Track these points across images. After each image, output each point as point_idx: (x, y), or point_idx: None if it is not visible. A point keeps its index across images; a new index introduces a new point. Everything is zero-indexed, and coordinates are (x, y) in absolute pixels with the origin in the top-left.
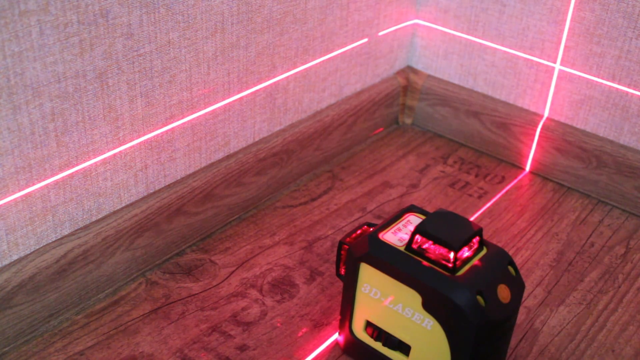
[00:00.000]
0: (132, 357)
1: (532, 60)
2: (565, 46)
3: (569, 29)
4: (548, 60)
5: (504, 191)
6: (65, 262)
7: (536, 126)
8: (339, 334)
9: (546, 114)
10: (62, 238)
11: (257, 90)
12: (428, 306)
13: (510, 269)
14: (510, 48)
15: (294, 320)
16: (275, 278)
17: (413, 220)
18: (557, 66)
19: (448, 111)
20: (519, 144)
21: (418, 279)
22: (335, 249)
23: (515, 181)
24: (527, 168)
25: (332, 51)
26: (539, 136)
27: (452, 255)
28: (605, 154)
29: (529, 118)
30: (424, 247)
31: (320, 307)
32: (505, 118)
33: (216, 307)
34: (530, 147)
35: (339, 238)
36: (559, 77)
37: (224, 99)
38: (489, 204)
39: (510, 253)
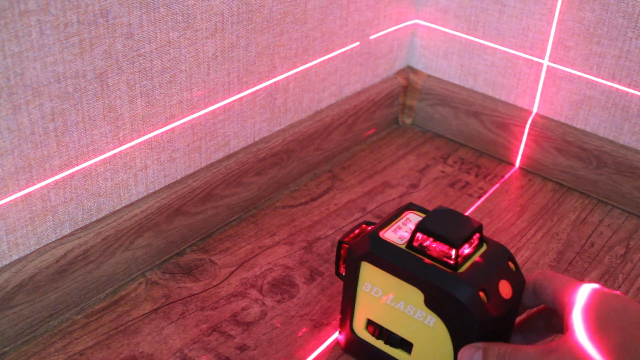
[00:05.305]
0: (132, 357)
1: (532, 60)
2: (565, 46)
3: (569, 28)
4: (548, 60)
5: (504, 191)
6: (65, 262)
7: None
8: (340, 333)
9: (546, 114)
10: (62, 238)
11: (257, 90)
12: (430, 303)
13: (511, 264)
14: (510, 48)
15: (294, 320)
16: (275, 278)
17: (412, 218)
18: (557, 66)
19: (448, 111)
20: (519, 144)
21: (420, 276)
22: (335, 249)
23: (515, 181)
24: (528, 168)
25: (332, 51)
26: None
27: (453, 252)
28: (605, 154)
29: (529, 118)
30: (425, 244)
31: (320, 307)
32: (505, 118)
33: (216, 307)
34: (530, 147)
35: (339, 238)
36: (559, 77)
37: (224, 99)
38: (489, 204)
39: None
